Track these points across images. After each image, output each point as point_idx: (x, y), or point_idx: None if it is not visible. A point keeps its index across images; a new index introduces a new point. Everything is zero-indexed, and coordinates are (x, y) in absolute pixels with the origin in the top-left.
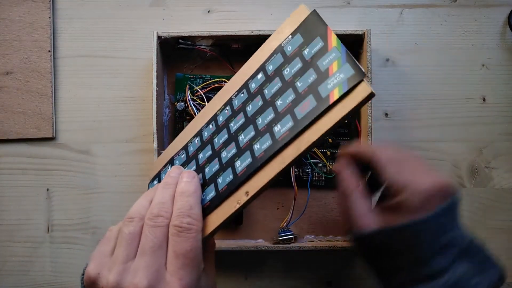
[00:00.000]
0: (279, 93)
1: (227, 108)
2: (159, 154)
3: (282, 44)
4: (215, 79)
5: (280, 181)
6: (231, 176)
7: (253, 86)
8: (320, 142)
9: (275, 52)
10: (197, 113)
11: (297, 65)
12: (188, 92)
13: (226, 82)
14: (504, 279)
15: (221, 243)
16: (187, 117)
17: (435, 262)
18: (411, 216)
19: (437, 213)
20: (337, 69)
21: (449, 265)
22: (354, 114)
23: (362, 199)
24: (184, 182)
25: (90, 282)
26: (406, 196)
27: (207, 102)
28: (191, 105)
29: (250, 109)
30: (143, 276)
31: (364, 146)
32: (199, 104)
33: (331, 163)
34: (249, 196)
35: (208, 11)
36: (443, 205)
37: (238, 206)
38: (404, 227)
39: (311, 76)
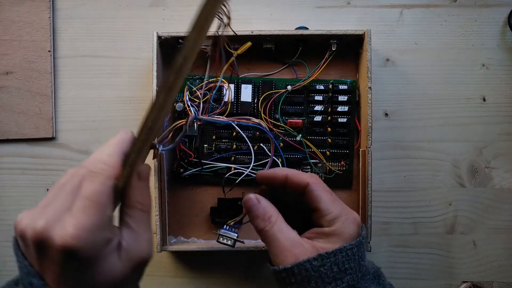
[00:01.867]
0: None
1: None
2: (159, 154)
3: None
4: (211, 79)
5: None
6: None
7: None
8: None
9: None
10: (196, 113)
11: None
12: (186, 93)
13: (224, 82)
14: None
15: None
16: (176, 115)
17: (362, 286)
18: (345, 241)
19: (361, 240)
20: None
21: None
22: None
23: (287, 228)
24: (114, 136)
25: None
26: (342, 224)
27: (206, 102)
28: (188, 106)
29: None
30: (42, 216)
31: (292, 173)
32: (198, 105)
33: (330, 163)
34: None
35: None
36: (363, 233)
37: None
38: (341, 250)
39: None
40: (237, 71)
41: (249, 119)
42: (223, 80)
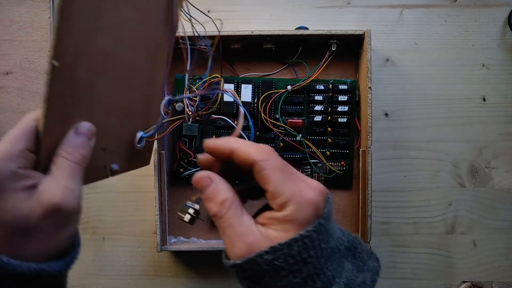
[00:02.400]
0: None
1: None
2: (159, 154)
3: None
4: (208, 77)
5: None
6: None
7: None
8: None
9: None
10: (170, 98)
11: None
12: (186, 93)
13: (219, 78)
14: (379, 266)
15: (221, 243)
16: (176, 114)
17: (328, 269)
18: (300, 227)
19: (324, 219)
20: None
21: (339, 269)
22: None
23: (243, 214)
24: None
25: None
26: (294, 208)
27: (205, 102)
28: (187, 106)
29: None
30: None
31: (239, 147)
32: (197, 105)
33: (330, 163)
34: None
35: (208, 11)
36: (326, 210)
37: None
38: (296, 239)
39: None
40: (208, 70)
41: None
42: (207, 79)
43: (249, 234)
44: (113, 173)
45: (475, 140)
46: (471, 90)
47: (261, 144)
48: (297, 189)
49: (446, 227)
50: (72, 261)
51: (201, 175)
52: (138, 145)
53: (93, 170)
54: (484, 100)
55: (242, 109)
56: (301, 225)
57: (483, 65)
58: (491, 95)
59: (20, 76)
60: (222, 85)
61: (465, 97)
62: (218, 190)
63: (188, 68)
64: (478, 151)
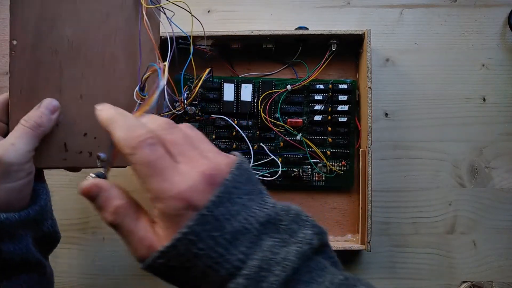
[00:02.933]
0: None
1: None
2: None
3: None
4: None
5: (280, 181)
6: None
7: None
8: None
9: None
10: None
11: None
12: (185, 93)
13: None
14: (322, 234)
15: None
16: (186, 117)
17: (232, 254)
18: (178, 224)
19: (208, 207)
20: None
21: (251, 250)
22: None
23: (139, 218)
24: None
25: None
26: (161, 205)
27: (204, 102)
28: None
29: None
30: None
31: (118, 137)
32: (196, 105)
33: (331, 163)
34: None
35: (208, 11)
36: (212, 197)
37: None
38: (179, 239)
39: None
40: (161, 79)
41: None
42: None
43: (147, 238)
44: (102, 162)
45: (475, 140)
46: (471, 90)
47: (135, 123)
48: (165, 184)
49: (446, 227)
50: (20, 217)
51: (87, 185)
52: (99, 164)
53: (78, 155)
54: (484, 100)
55: (161, 83)
56: (177, 221)
57: (483, 65)
58: (491, 95)
59: None
60: (164, 73)
61: (465, 97)
62: (109, 199)
63: (166, 64)
64: (478, 151)
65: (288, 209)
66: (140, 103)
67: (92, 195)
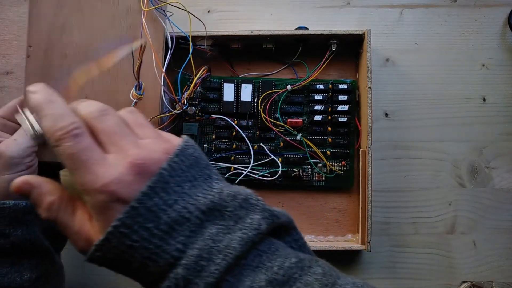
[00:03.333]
0: None
1: None
2: None
3: None
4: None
5: (280, 181)
6: None
7: None
8: None
9: None
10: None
11: None
12: (185, 93)
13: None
14: (273, 217)
15: None
16: (186, 117)
17: (170, 244)
18: (108, 217)
19: (138, 200)
20: None
21: (192, 239)
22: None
23: (75, 212)
24: None
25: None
26: (88, 198)
27: (204, 102)
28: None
29: None
30: None
31: (41, 110)
32: (196, 105)
33: (331, 163)
34: None
35: (208, 11)
36: (144, 189)
37: None
38: (111, 233)
39: None
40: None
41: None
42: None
43: (83, 232)
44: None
45: (475, 140)
46: (471, 90)
47: (63, 112)
48: (89, 177)
49: (446, 227)
50: (27, 204)
51: (18, 183)
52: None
53: None
54: (484, 100)
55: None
56: (108, 214)
57: (483, 65)
58: (491, 95)
59: (20, 76)
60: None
61: (465, 97)
62: (41, 195)
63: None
64: (478, 151)
65: (235, 194)
66: (136, 102)
67: (24, 193)
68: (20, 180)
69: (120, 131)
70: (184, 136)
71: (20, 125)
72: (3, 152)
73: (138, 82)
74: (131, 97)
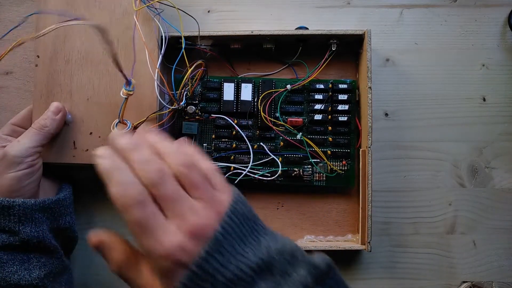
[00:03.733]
0: None
1: None
2: None
3: None
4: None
5: (280, 181)
6: None
7: None
8: None
9: None
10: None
11: None
12: (186, 94)
13: (203, 65)
14: (317, 269)
15: None
16: (186, 117)
17: None
18: (171, 281)
19: (197, 264)
20: None
21: None
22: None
23: (141, 272)
24: None
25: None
26: (153, 264)
27: (204, 101)
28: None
29: None
30: None
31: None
32: (196, 104)
33: (332, 162)
34: None
35: (208, 11)
36: (201, 253)
37: None
38: None
39: None
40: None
41: None
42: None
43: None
44: None
45: (475, 140)
46: (471, 90)
47: (128, 180)
48: (154, 244)
49: (446, 227)
50: (36, 202)
51: (93, 241)
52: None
53: (84, 153)
54: (484, 100)
55: None
56: (170, 277)
57: (483, 65)
58: (491, 95)
59: (20, 76)
60: None
61: (465, 97)
62: (111, 252)
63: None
64: (478, 151)
65: (282, 249)
66: (126, 98)
67: (98, 250)
68: (95, 238)
69: (178, 197)
70: (233, 191)
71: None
72: (7, 151)
73: (126, 78)
74: (121, 94)
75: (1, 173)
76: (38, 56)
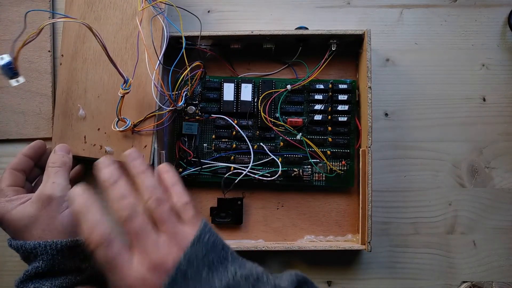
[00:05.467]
0: None
1: None
2: (159, 154)
3: None
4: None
5: (280, 181)
6: None
7: None
8: None
9: None
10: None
11: None
12: (185, 94)
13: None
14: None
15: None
16: (186, 117)
17: None
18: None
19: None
20: None
21: None
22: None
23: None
24: None
25: None
26: None
27: (204, 101)
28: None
29: None
30: None
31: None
32: (196, 105)
33: (331, 162)
34: None
35: (208, 11)
36: (164, 284)
37: None
38: None
39: None
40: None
41: None
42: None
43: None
44: (108, 154)
45: (475, 140)
46: (471, 90)
47: (97, 220)
48: (119, 278)
49: (446, 227)
50: (58, 243)
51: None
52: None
53: (92, 147)
54: (484, 100)
55: None
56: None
57: (483, 65)
58: (491, 95)
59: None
60: None
61: (465, 97)
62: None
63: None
64: (478, 151)
65: (248, 274)
66: (121, 97)
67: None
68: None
69: (143, 232)
70: (202, 222)
71: (38, 167)
72: (52, 194)
73: (123, 76)
74: (118, 93)
75: (54, 217)
76: (62, 55)
